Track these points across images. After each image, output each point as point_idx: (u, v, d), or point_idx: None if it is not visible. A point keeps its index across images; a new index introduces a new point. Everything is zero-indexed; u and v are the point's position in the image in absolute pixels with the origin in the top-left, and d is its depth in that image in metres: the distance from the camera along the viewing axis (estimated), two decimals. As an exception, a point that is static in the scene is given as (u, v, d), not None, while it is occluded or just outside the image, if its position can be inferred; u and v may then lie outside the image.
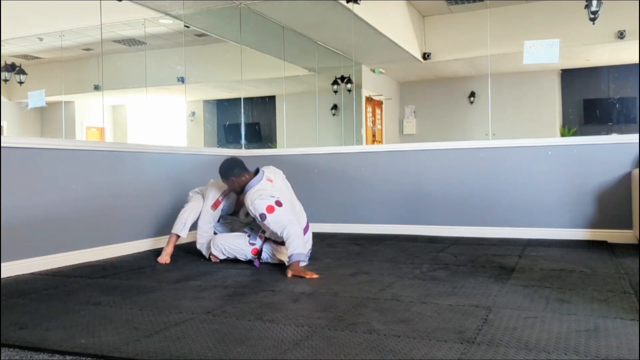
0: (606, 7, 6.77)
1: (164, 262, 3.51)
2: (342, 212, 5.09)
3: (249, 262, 3.44)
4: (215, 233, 3.68)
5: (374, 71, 9.66)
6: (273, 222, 3.07)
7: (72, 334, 1.94)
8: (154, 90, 7.53)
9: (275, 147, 8.81)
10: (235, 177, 3.33)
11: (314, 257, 3.55)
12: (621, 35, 7.59)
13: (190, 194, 3.85)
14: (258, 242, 3.37)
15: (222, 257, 3.46)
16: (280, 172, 3.51)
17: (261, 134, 9.62)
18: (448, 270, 3.06)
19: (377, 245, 4.12)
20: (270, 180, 3.28)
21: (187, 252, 3.91)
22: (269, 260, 3.40)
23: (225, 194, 3.65)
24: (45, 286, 2.82)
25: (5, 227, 3.09)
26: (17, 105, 6.86)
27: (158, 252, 3.91)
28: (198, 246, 3.64)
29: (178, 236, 3.66)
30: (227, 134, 9.23)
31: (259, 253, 3.37)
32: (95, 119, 8.08)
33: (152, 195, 4.19)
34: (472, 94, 10.64)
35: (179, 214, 3.71)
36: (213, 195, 3.65)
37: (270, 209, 3.07)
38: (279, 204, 3.10)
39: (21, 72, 6.49)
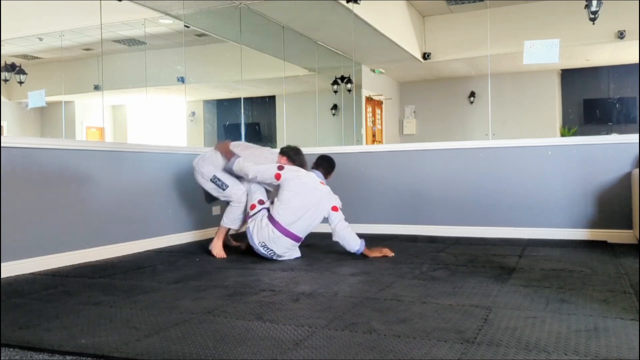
0: (606, 7, 6.77)
1: (221, 257, 3.64)
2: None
3: (250, 252, 3.54)
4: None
5: (374, 71, 9.65)
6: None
7: (72, 334, 1.94)
8: (154, 90, 7.52)
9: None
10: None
11: (314, 257, 3.56)
12: (621, 35, 7.59)
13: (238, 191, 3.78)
14: (266, 204, 3.55)
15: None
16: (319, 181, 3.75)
17: (261, 133, 9.61)
18: (448, 270, 3.05)
19: (377, 246, 4.11)
20: (322, 182, 3.73)
21: (188, 252, 3.92)
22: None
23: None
24: (45, 286, 2.82)
25: (5, 227, 3.09)
26: (17, 105, 6.85)
27: (158, 251, 3.92)
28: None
29: (228, 229, 3.79)
30: (227, 134, 9.22)
31: (257, 209, 3.52)
32: (95, 119, 8.07)
33: (152, 195, 4.19)
34: (472, 94, 10.64)
35: (231, 209, 3.75)
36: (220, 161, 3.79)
37: (280, 168, 3.57)
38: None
39: (21, 72, 6.49)
